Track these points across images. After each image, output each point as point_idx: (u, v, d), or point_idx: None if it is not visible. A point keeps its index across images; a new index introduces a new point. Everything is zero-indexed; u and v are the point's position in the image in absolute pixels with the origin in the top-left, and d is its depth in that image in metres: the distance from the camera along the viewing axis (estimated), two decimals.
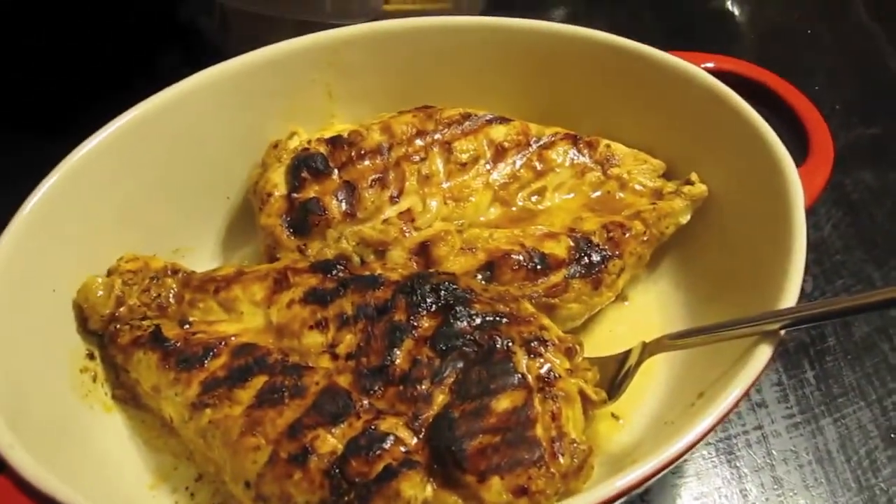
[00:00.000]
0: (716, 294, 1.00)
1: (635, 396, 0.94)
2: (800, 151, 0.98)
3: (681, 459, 0.75)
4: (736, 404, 0.77)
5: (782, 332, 0.81)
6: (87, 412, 0.90)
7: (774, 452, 1.00)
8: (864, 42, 1.52)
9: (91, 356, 0.94)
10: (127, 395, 0.94)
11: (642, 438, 0.92)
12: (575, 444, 0.79)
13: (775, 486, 0.97)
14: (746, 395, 0.78)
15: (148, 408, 0.93)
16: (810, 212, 0.91)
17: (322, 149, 1.02)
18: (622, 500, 0.75)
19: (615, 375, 0.90)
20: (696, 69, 1.03)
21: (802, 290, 0.84)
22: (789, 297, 0.83)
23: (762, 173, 0.95)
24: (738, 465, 0.99)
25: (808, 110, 1.01)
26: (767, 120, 0.97)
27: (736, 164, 1.01)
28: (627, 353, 0.91)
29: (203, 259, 1.08)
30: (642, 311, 1.05)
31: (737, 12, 1.55)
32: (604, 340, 1.01)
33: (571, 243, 0.98)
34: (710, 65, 1.05)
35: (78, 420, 0.89)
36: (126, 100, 0.99)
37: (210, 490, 0.89)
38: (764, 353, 0.80)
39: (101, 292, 0.93)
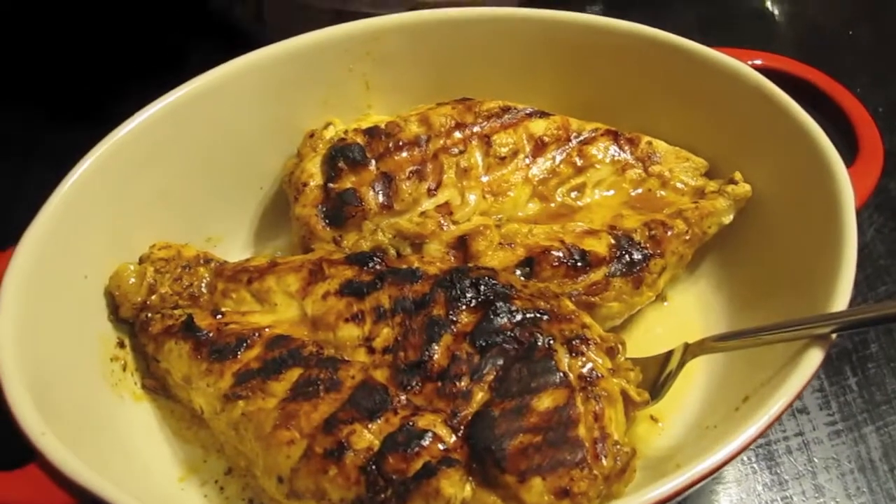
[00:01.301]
0: (758, 297, 0.98)
1: (674, 399, 0.91)
2: (848, 152, 0.96)
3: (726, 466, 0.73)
4: (785, 410, 0.74)
5: (833, 336, 0.78)
6: (116, 401, 0.89)
7: (816, 460, 0.97)
8: None
9: (121, 345, 0.92)
10: (157, 385, 0.92)
11: (683, 442, 0.90)
12: (618, 446, 0.77)
13: (817, 495, 0.95)
14: (796, 400, 0.76)
15: (178, 398, 0.91)
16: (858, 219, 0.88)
17: (359, 139, 1.00)
18: None
19: (657, 377, 0.88)
20: (744, 66, 1.00)
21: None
22: (840, 301, 0.80)
23: (810, 174, 0.93)
24: (778, 471, 0.96)
25: (857, 110, 0.99)
26: (815, 120, 0.95)
27: (782, 164, 0.98)
28: (669, 354, 0.89)
29: (235, 249, 1.06)
30: (682, 313, 1.03)
31: (776, 12, 1.53)
32: (643, 341, 0.99)
33: (612, 241, 0.96)
34: (757, 62, 1.03)
35: (107, 409, 0.88)
36: (158, 89, 0.97)
37: (240, 484, 0.88)
38: (815, 357, 0.77)
39: (132, 280, 0.92)
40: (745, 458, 0.97)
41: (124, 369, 0.91)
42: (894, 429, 1.00)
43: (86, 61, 1.40)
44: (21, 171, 1.21)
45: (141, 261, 0.95)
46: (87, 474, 0.69)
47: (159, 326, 0.90)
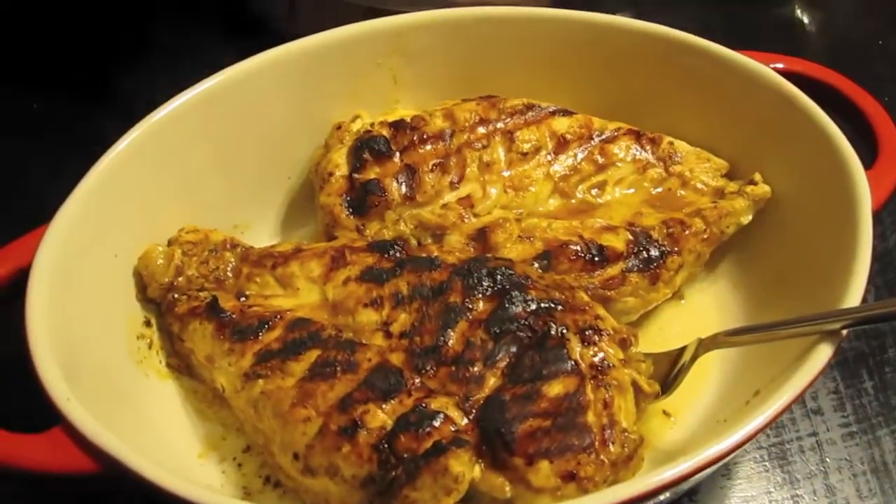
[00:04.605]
0: (775, 297, 0.99)
1: (688, 394, 0.92)
2: (868, 155, 0.96)
3: (732, 456, 0.74)
4: (792, 403, 0.75)
5: (844, 332, 0.79)
6: (141, 378, 0.92)
7: (828, 460, 0.98)
8: None
9: (148, 324, 0.95)
10: (181, 364, 0.95)
11: (694, 436, 0.91)
12: (626, 434, 0.79)
13: (828, 495, 0.95)
14: (804, 394, 0.77)
15: (201, 377, 0.94)
16: (876, 222, 0.88)
17: (385, 132, 1.02)
18: (668, 494, 0.74)
19: (669, 371, 0.89)
20: (765, 69, 1.02)
21: (865, 299, 0.82)
22: (853, 298, 0.81)
23: (829, 175, 0.93)
24: (790, 470, 0.97)
25: (877, 113, 1.00)
26: (835, 122, 0.96)
27: (801, 166, 0.99)
28: (682, 350, 0.90)
29: (261, 237, 1.09)
30: (699, 311, 1.04)
31: (806, 20, 1.53)
32: (659, 339, 1.00)
33: (630, 237, 0.97)
34: (779, 65, 1.04)
35: (132, 385, 0.90)
36: (193, 82, 1.00)
37: (257, 462, 0.90)
38: (824, 352, 0.78)
39: (161, 261, 0.95)
40: (757, 457, 0.98)
41: (150, 347, 0.94)
42: None
43: (122, 54, 1.45)
44: (57, 154, 1.24)
45: (170, 243, 0.98)
46: (109, 439, 0.71)
47: (185, 307, 0.93)
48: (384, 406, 0.79)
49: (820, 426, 1.01)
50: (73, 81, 1.40)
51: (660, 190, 1.05)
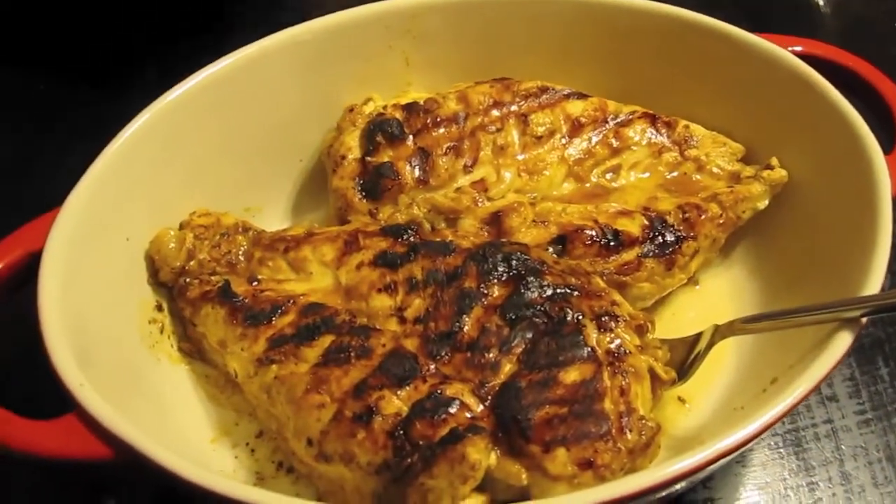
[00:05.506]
0: (791, 283, 0.98)
1: (703, 381, 0.92)
2: (888, 140, 0.95)
3: (749, 445, 0.73)
4: (810, 392, 0.74)
5: (864, 319, 0.78)
6: (153, 363, 0.91)
7: (844, 447, 0.97)
8: None
9: (159, 308, 0.94)
10: (193, 349, 0.94)
11: (709, 423, 0.90)
12: (643, 421, 0.78)
13: (843, 482, 0.95)
14: (823, 382, 0.76)
15: (213, 362, 0.93)
16: (895, 207, 0.87)
17: (398, 114, 1.02)
18: (684, 483, 0.73)
19: (685, 358, 0.89)
20: (783, 51, 1.00)
21: (882, 287, 0.81)
22: (873, 285, 0.80)
23: (847, 160, 0.92)
24: (805, 457, 0.96)
25: None
26: (854, 106, 0.95)
27: (819, 150, 0.98)
28: (698, 336, 0.89)
29: (273, 220, 1.08)
30: (714, 297, 1.03)
31: (821, 3, 1.52)
32: (673, 324, 0.99)
33: (646, 222, 0.96)
34: (797, 48, 1.02)
35: (144, 370, 0.90)
36: (202, 63, 0.99)
37: (270, 447, 0.90)
38: (844, 340, 0.77)
39: (172, 245, 0.94)
40: (772, 444, 0.97)
41: (161, 332, 0.94)
42: None
43: (132, 37, 1.44)
44: (67, 137, 1.24)
45: (181, 227, 0.97)
46: (123, 425, 0.71)
47: (197, 291, 0.92)
48: (399, 392, 0.78)
49: (835, 413, 1.00)
50: (82, 64, 1.40)
51: (675, 174, 1.04)
